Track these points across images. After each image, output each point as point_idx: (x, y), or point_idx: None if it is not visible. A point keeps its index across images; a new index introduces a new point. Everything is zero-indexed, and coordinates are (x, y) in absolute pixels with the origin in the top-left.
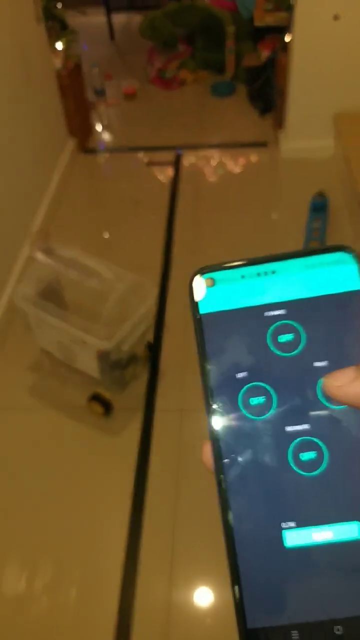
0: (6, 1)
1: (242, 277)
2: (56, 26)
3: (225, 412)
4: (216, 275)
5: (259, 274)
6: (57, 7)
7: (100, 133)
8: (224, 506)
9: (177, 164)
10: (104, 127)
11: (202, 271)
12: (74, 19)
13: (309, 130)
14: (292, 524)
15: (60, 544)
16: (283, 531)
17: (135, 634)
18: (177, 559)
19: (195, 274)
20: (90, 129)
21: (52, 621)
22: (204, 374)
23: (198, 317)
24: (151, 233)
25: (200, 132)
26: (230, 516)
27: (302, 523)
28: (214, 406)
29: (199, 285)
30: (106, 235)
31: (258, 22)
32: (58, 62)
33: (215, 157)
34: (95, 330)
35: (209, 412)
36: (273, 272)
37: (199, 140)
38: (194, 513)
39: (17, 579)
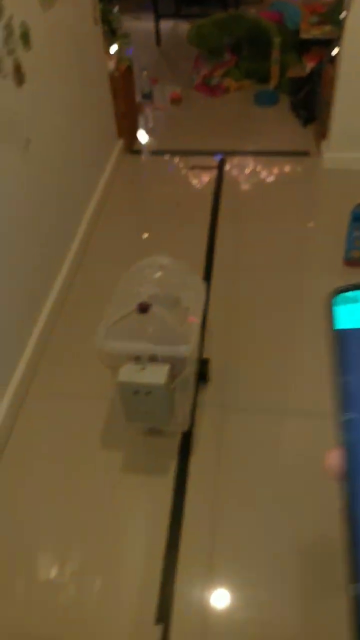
0: (68, 3)
1: None
2: (109, 30)
3: (355, 424)
4: (353, 294)
5: None
6: (112, 12)
7: (146, 135)
8: (350, 514)
9: (219, 169)
10: (150, 130)
11: (340, 289)
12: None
13: (352, 142)
14: None
15: (101, 530)
16: None
17: (174, 629)
18: (217, 552)
19: (333, 292)
20: (136, 131)
21: (88, 608)
22: (337, 386)
23: (334, 332)
24: (193, 235)
25: (242, 139)
26: (356, 525)
27: None
28: (345, 418)
29: (337, 303)
30: (147, 235)
31: (304, 35)
32: (111, 65)
33: (257, 164)
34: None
35: (341, 423)
36: None
37: (241, 147)
38: (233, 506)
39: (58, 567)
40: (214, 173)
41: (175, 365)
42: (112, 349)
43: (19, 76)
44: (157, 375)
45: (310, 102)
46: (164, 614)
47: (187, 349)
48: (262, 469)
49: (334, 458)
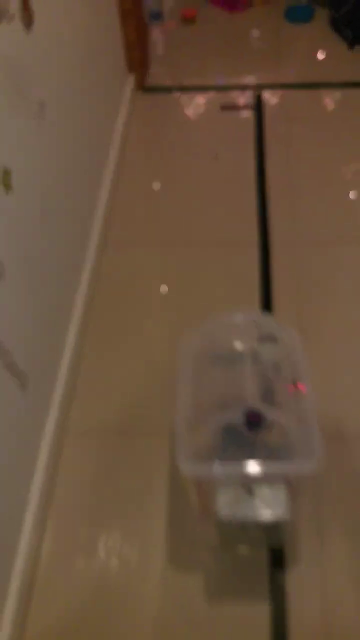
0: None
1: None
2: None
3: None
4: None
5: None
6: None
7: (159, 67)
8: None
9: (257, 108)
10: (163, 59)
11: None
12: None
13: None
14: None
15: None
16: None
17: None
18: None
19: None
20: (149, 63)
21: None
22: None
23: None
24: (238, 196)
25: (277, 68)
26: None
27: None
28: None
29: None
30: (181, 201)
31: None
32: None
33: (300, 100)
34: None
35: None
36: None
37: (276, 77)
38: None
39: None
40: (250, 114)
41: (295, 480)
42: (209, 475)
43: (27, 15)
44: (272, 502)
45: (357, 19)
46: None
47: (316, 464)
48: None
49: None
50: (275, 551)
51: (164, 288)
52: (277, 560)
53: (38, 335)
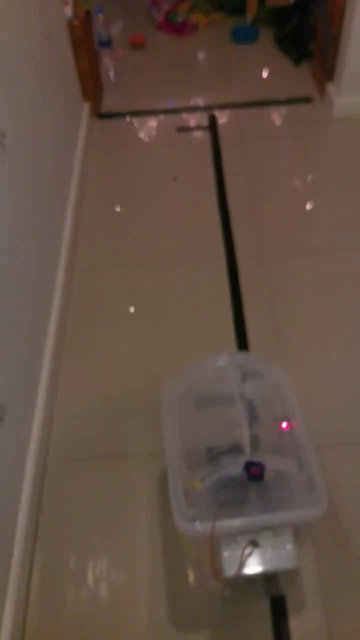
0: None
1: None
2: None
3: None
4: None
5: None
6: None
7: (112, 93)
8: None
9: (212, 128)
10: (115, 86)
11: None
12: None
13: None
14: None
15: None
16: None
17: None
18: None
19: None
20: (102, 90)
21: None
22: None
23: None
24: (200, 215)
25: (227, 88)
26: None
27: None
28: None
29: None
30: (144, 225)
31: None
32: (68, 10)
33: (253, 118)
34: None
35: None
36: None
37: (227, 97)
38: None
39: None
40: (206, 134)
41: (299, 527)
42: (211, 534)
43: None
44: (281, 554)
45: (301, 36)
46: None
47: (321, 510)
48: None
49: None
50: (277, 597)
51: (132, 308)
52: (280, 606)
53: (13, 366)
